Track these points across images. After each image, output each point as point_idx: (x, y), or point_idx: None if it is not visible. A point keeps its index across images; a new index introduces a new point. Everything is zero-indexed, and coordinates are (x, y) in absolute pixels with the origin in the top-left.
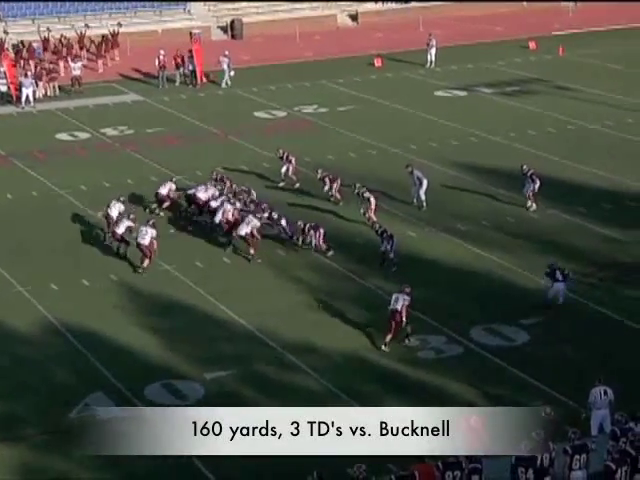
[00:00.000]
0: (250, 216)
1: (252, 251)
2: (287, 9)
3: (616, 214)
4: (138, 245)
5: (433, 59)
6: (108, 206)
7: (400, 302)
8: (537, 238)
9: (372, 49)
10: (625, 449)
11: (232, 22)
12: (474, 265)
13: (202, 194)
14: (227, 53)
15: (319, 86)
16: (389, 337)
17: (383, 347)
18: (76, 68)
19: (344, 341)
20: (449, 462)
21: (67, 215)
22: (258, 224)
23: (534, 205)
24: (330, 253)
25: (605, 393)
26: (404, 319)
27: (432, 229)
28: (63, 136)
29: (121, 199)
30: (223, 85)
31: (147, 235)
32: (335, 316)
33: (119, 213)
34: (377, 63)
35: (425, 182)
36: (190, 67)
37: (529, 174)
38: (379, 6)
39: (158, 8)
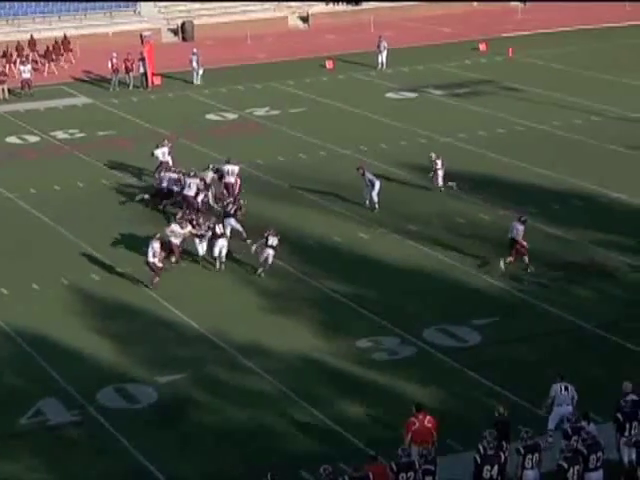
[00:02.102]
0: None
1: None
2: (238, 11)
3: (565, 214)
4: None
5: (384, 61)
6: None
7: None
8: (487, 238)
9: (323, 51)
10: (577, 448)
11: (183, 24)
12: (426, 266)
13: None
14: (196, 51)
15: (270, 88)
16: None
17: (501, 264)
18: (26, 71)
19: (297, 343)
20: (403, 463)
21: (16, 218)
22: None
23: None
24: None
25: (566, 389)
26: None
27: (384, 230)
28: (12, 139)
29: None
30: (195, 83)
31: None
32: (288, 318)
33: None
34: (328, 65)
35: (377, 184)
36: (141, 69)
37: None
38: (330, 8)
39: (108, 10)
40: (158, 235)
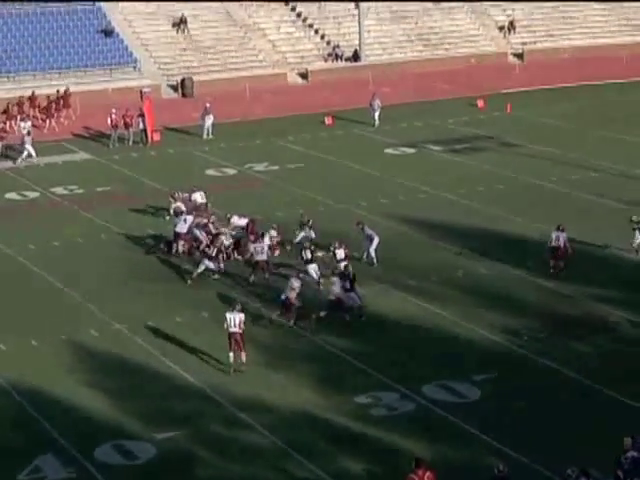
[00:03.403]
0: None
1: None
2: (237, 67)
3: (567, 268)
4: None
5: (376, 119)
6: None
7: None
8: (486, 293)
9: (322, 107)
10: None
11: (183, 80)
12: (425, 321)
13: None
14: (208, 106)
15: (269, 144)
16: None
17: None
18: (26, 127)
19: (296, 398)
20: None
21: (15, 274)
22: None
23: None
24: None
25: None
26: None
27: (383, 285)
28: (12, 195)
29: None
30: (205, 137)
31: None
32: (286, 373)
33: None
34: (327, 121)
35: (376, 239)
36: (141, 126)
37: None
38: (329, 64)
39: (108, 66)
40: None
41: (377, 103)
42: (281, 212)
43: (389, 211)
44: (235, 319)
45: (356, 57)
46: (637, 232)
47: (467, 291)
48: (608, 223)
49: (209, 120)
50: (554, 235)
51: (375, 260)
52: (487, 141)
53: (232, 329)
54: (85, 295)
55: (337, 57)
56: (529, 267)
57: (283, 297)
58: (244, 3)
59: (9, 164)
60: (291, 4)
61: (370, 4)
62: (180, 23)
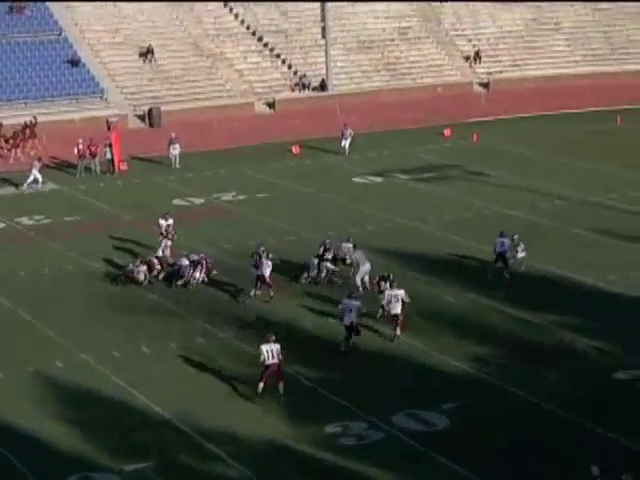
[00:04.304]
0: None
1: None
2: (205, 97)
3: (531, 297)
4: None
5: (347, 147)
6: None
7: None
8: (455, 321)
9: (290, 136)
10: None
11: (150, 110)
12: (395, 350)
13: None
14: (174, 136)
15: (237, 173)
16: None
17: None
18: None
19: (264, 428)
20: None
21: None
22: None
23: None
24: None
25: None
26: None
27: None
28: None
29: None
30: (173, 166)
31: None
32: (255, 403)
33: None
34: (295, 150)
35: (364, 266)
36: (108, 155)
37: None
38: (296, 94)
39: (75, 97)
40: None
41: (349, 132)
42: (251, 241)
43: (358, 240)
44: (272, 350)
45: (323, 87)
46: (519, 248)
47: (436, 320)
48: (577, 251)
49: (175, 150)
50: (498, 241)
51: (360, 288)
52: (454, 170)
53: (269, 361)
54: (51, 326)
55: (304, 87)
56: (497, 295)
57: (348, 322)
58: (211, 34)
59: None
60: (258, 34)
61: (337, 34)
62: (147, 53)
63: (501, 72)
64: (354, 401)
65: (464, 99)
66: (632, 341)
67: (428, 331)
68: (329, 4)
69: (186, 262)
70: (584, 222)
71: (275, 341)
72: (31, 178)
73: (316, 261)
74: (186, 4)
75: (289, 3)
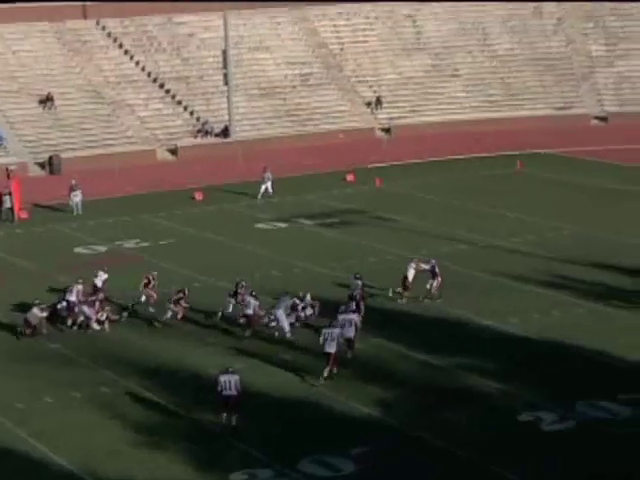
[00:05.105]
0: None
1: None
2: (106, 144)
3: (436, 341)
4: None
5: (270, 190)
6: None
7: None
8: (362, 366)
9: (193, 183)
10: None
11: (50, 158)
12: (300, 395)
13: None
14: (74, 183)
15: (140, 220)
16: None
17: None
18: None
19: (169, 477)
20: None
21: None
22: None
23: None
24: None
25: None
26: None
27: (255, 360)
28: None
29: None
30: (75, 213)
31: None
32: (160, 452)
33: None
34: (198, 196)
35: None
36: (8, 204)
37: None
38: (199, 140)
39: None
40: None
41: (267, 175)
42: (158, 288)
43: (263, 286)
44: (230, 381)
45: (226, 133)
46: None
47: (343, 365)
48: (480, 295)
49: (76, 197)
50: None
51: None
52: (358, 215)
53: (227, 392)
54: None
55: (207, 133)
56: (404, 340)
57: (331, 350)
58: (111, 81)
59: None
60: (159, 81)
61: (238, 81)
62: (47, 100)
63: (402, 118)
64: (261, 448)
65: (366, 144)
66: (533, 382)
67: (336, 376)
68: (231, 51)
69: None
70: (487, 266)
71: (233, 372)
72: None
73: (232, 300)
74: (84, 53)
75: (189, 50)
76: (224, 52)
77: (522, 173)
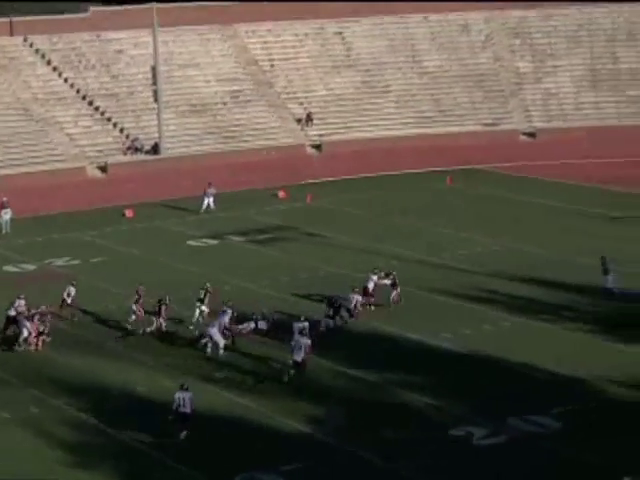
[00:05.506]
0: None
1: None
2: (35, 162)
3: (368, 356)
4: None
5: (211, 205)
6: None
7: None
8: (295, 383)
9: (123, 200)
10: None
11: None
12: (234, 413)
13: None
14: (5, 200)
15: (70, 238)
16: None
17: None
18: None
19: None
20: None
21: None
22: None
23: None
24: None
25: None
26: None
27: (190, 378)
28: None
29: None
30: (4, 232)
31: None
32: (88, 472)
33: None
34: (128, 214)
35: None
36: None
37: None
38: (129, 157)
39: None
40: None
41: (211, 191)
42: (88, 307)
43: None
44: (185, 398)
45: (156, 150)
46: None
47: (272, 380)
48: (410, 310)
49: (6, 215)
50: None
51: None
52: (289, 231)
53: (182, 409)
54: None
55: (137, 150)
56: (336, 356)
57: (299, 359)
58: (40, 98)
59: None
60: (88, 98)
61: (168, 98)
62: None
63: (332, 134)
64: (193, 466)
65: (297, 161)
66: (465, 397)
67: (265, 392)
68: (161, 67)
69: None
70: (418, 281)
71: (187, 389)
72: None
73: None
74: (12, 70)
75: (119, 67)
76: (154, 69)
77: (452, 189)
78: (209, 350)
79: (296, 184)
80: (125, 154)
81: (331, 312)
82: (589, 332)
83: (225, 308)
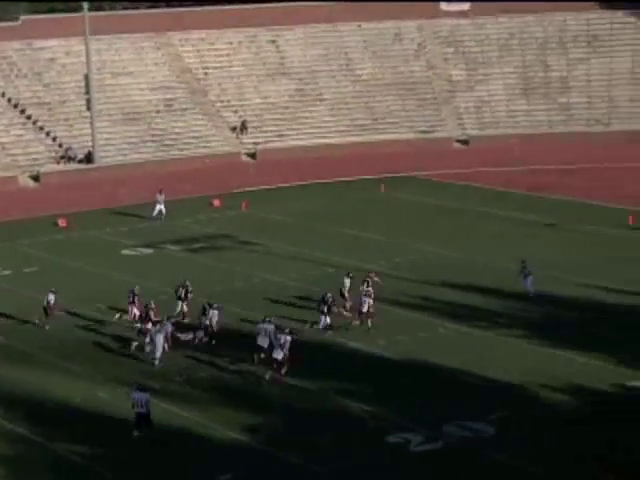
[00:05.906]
0: None
1: None
2: None
3: (306, 364)
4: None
5: (163, 212)
6: None
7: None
8: (227, 391)
9: (56, 209)
10: None
11: None
12: (169, 422)
13: None
14: None
15: (2, 248)
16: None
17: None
18: None
19: None
20: None
21: None
22: None
23: None
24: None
25: None
26: None
27: (124, 388)
28: None
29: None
30: None
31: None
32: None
33: None
34: (62, 223)
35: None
36: None
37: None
38: (62, 167)
39: None
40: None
41: (162, 198)
42: (21, 317)
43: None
44: (142, 399)
45: (89, 159)
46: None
47: (209, 390)
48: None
49: None
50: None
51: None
52: (224, 239)
53: (138, 409)
54: None
55: (70, 159)
56: (273, 366)
57: (280, 356)
58: None
59: None
60: (20, 107)
61: (102, 106)
62: None
63: (267, 142)
64: (129, 476)
65: (232, 169)
66: (402, 404)
67: (202, 402)
68: (94, 76)
69: None
70: (354, 288)
71: (144, 390)
72: None
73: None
74: None
75: (51, 75)
76: (86, 77)
77: (386, 196)
78: (147, 350)
79: (231, 192)
80: (58, 163)
81: (325, 309)
82: (522, 337)
83: (167, 322)
